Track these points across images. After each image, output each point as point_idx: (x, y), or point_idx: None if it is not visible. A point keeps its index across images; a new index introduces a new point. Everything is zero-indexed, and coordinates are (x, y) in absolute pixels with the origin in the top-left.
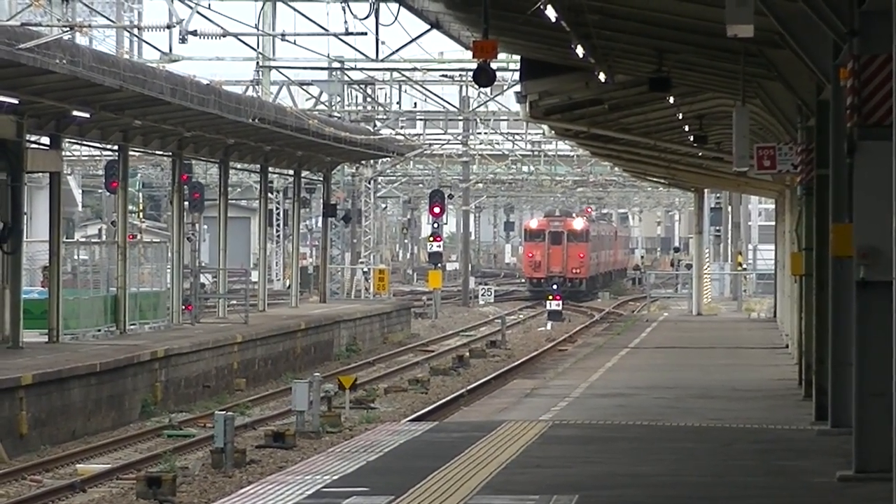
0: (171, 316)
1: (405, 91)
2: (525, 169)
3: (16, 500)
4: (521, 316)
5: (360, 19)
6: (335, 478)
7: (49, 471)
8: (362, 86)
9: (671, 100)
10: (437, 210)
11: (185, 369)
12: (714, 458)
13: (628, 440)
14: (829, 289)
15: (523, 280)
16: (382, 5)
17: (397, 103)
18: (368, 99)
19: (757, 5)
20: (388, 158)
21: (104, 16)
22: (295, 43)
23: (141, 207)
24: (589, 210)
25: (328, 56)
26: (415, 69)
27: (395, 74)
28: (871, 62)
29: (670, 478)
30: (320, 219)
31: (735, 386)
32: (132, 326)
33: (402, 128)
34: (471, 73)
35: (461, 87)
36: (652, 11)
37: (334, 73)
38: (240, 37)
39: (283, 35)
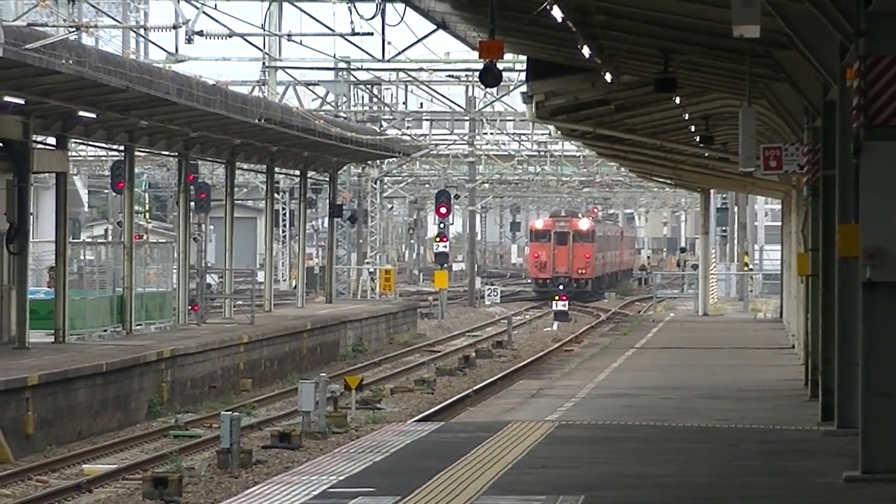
0: (177, 316)
1: (411, 91)
2: (531, 169)
3: (22, 501)
4: (527, 316)
5: (367, 19)
6: (341, 478)
7: (55, 471)
8: (368, 86)
9: (677, 100)
10: (443, 210)
11: (192, 370)
12: (720, 458)
13: (634, 440)
14: (836, 289)
15: (529, 280)
16: (389, 5)
17: (403, 103)
18: (374, 99)
19: (763, 6)
20: (395, 159)
21: (110, 16)
22: (301, 43)
23: (147, 208)
24: (595, 210)
25: (334, 56)
26: (421, 69)
27: (402, 75)
28: (877, 63)
29: (676, 478)
30: (326, 219)
31: (741, 386)
32: (138, 327)
33: (408, 128)
34: (477, 74)
35: (467, 87)
36: (658, 12)
37: (340, 73)
38: (246, 37)
39: (289, 35)
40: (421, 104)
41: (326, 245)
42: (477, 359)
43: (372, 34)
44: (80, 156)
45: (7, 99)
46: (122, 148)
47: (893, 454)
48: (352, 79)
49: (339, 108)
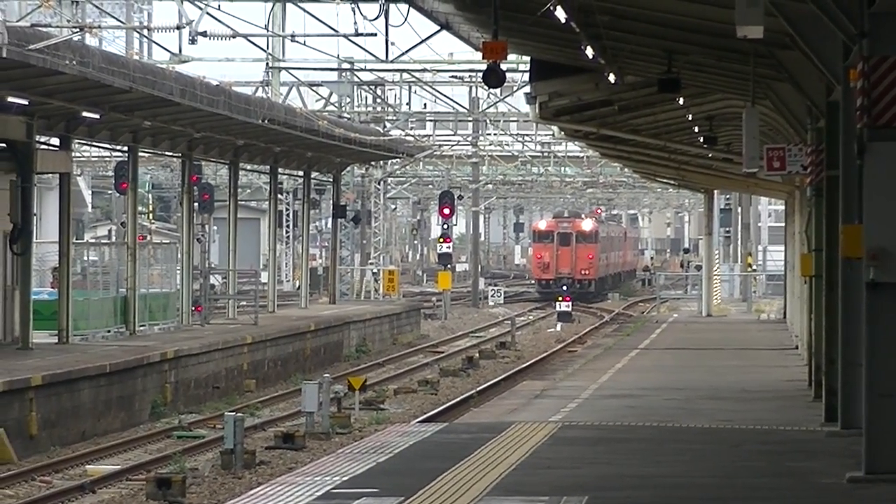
0: (180, 317)
1: (415, 92)
2: (535, 170)
3: (26, 501)
4: (530, 317)
5: (370, 20)
6: (345, 479)
7: (59, 472)
8: (372, 87)
9: (681, 101)
10: (446, 211)
11: (195, 370)
12: (723, 459)
13: (638, 441)
14: (839, 290)
15: (533, 281)
16: (392, 6)
17: (407, 104)
18: (378, 100)
19: (767, 6)
20: (398, 159)
21: (114, 17)
22: (305, 44)
23: (151, 208)
24: (599, 211)
25: (338, 57)
26: (424, 70)
27: (405, 75)
28: (880, 63)
29: (680, 479)
30: (330, 220)
31: (745, 387)
32: (142, 327)
33: (411, 129)
34: (480, 74)
35: (471, 88)
36: (662, 12)
37: (344, 74)
38: (249, 38)
39: (292, 36)
40: (424, 105)
41: (330, 246)
42: (480, 360)
43: (375, 35)
44: (83, 156)
45: (11, 99)
46: (125, 148)
47: None
48: (355, 79)
49: (343, 108)
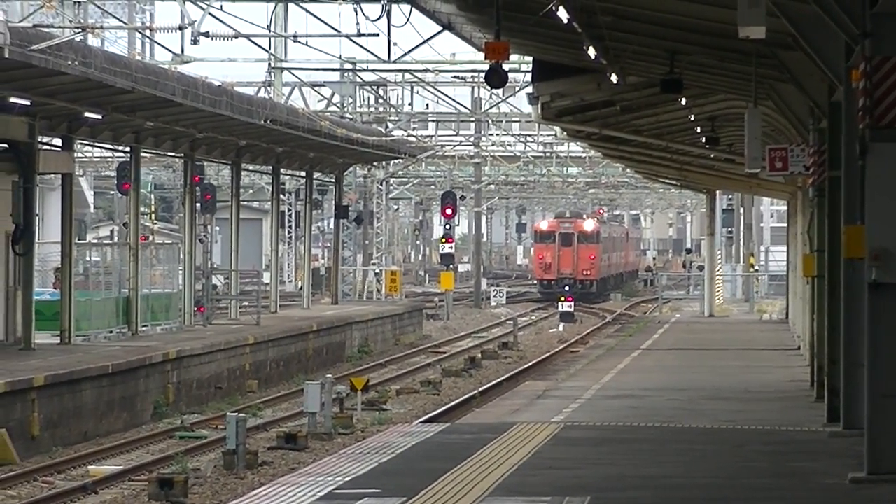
0: (182, 317)
1: (417, 92)
2: (537, 170)
3: (28, 502)
4: (533, 317)
5: (373, 20)
6: (347, 479)
7: (61, 472)
8: (374, 87)
9: (683, 101)
10: (449, 211)
11: (197, 371)
12: (726, 459)
13: (640, 442)
14: (841, 290)
15: (535, 282)
16: (395, 7)
17: (409, 104)
18: (380, 100)
19: (769, 7)
20: (400, 160)
21: (116, 17)
22: (307, 44)
23: (153, 209)
24: (601, 211)
25: (340, 57)
26: (427, 70)
27: (407, 76)
28: (883, 64)
29: (682, 479)
30: (332, 220)
31: (747, 387)
32: (144, 328)
33: (414, 129)
34: (483, 75)
35: (473, 88)
36: (664, 13)
37: (346, 74)
38: (252, 38)
39: (295, 36)
40: (427, 105)
41: (332, 246)
42: (483, 360)
43: (378, 35)
44: (85, 157)
45: (13, 100)
46: (127, 149)
47: None
48: (357, 80)
49: (345, 109)
